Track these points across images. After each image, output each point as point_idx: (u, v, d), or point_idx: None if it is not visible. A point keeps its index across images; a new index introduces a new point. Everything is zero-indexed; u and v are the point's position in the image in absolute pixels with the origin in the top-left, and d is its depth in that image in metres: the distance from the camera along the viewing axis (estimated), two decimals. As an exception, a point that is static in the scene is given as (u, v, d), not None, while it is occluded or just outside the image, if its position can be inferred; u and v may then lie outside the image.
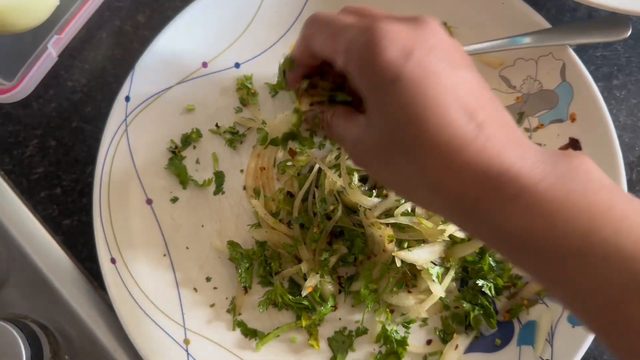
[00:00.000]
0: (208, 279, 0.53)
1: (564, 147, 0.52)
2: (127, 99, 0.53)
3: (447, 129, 0.32)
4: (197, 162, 0.55)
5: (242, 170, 0.55)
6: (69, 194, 0.57)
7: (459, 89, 0.33)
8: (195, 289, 0.53)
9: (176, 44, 0.54)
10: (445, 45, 0.35)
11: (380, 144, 0.35)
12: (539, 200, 0.30)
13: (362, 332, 0.52)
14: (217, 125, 0.55)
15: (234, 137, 0.55)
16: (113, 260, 0.51)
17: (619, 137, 0.50)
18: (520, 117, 0.53)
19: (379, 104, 0.35)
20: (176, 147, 0.55)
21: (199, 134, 0.55)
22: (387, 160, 0.35)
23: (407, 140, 0.33)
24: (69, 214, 0.56)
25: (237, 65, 0.56)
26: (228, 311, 0.53)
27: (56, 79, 0.58)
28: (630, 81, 0.57)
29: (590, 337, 0.47)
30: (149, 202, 0.54)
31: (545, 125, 0.53)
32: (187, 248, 0.53)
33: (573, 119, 0.51)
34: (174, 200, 0.54)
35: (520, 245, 0.31)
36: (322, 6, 0.55)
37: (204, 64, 0.55)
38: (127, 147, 0.53)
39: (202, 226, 0.54)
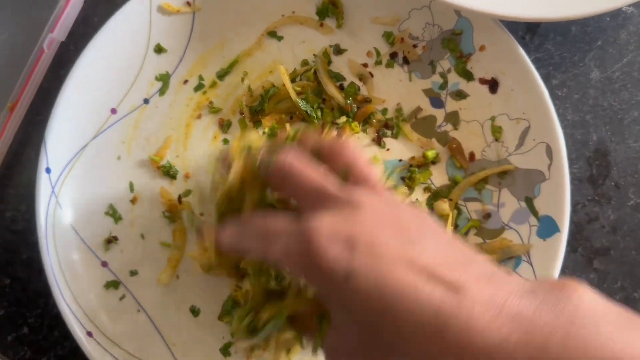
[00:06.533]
0: (195, 313, 0.52)
1: (482, 80, 0.53)
2: (48, 170, 0.51)
3: (422, 309, 0.29)
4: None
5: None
6: (37, 330, 0.54)
7: (421, 257, 0.31)
8: (181, 334, 0.52)
9: (79, 101, 0.52)
10: (386, 213, 0.33)
11: (359, 348, 0.33)
12: None
13: None
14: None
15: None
16: (89, 334, 0.50)
17: (571, 135, 0.49)
18: (432, 65, 0.54)
19: (342, 308, 0.33)
20: (114, 212, 0.53)
21: (131, 187, 0.54)
22: None
23: (387, 337, 0.31)
24: (43, 352, 0.54)
25: (146, 101, 0.55)
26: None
27: (-9, 213, 0.55)
28: (568, 77, 0.56)
29: (564, 244, 0.49)
30: (104, 264, 0.52)
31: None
32: (161, 293, 0.53)
33: (482, 49, 0.52)
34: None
35: None
36: (209, 25, 0.55)
37: (113, 110, 0.54)
38: (63, 217, 0.52)
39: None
